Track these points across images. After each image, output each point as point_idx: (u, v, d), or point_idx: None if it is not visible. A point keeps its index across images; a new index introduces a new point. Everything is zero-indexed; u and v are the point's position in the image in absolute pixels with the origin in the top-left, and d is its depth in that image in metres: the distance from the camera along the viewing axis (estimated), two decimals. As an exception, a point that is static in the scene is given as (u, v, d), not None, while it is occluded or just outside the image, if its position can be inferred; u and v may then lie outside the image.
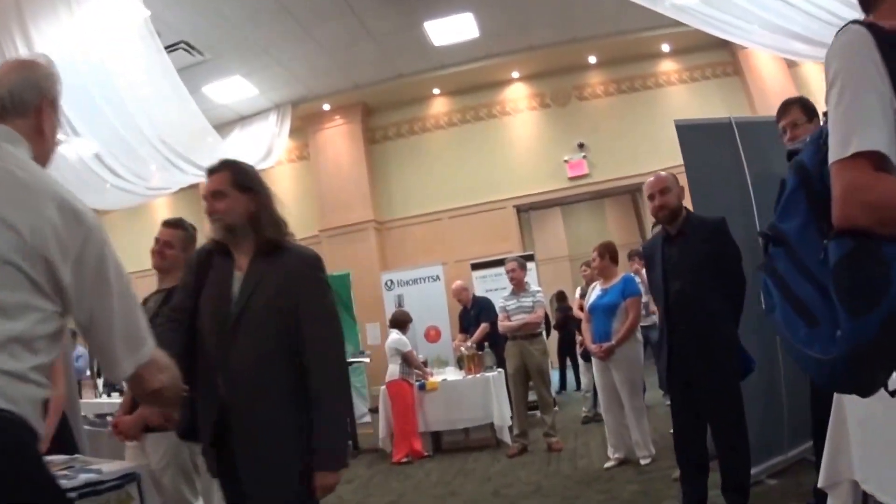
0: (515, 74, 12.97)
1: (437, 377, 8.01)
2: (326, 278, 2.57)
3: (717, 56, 12.58)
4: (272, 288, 2.43)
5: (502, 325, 7.23)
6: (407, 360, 7.66)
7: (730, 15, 7.48)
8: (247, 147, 11.69)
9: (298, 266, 2.49)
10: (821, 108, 3.33)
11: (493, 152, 12.95)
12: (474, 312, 8.75)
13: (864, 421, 2.34)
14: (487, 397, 7.51)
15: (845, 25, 1.47)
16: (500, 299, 7.49)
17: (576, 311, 8.53)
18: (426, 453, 7.48)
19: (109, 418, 4.96)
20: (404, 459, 7.25)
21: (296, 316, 2.41)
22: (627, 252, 7.89)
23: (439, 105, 13.39)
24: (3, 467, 1.31)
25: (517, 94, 13.16)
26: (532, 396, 7.31)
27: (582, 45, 12.01)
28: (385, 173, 13.41)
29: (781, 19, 7.37)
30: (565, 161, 12.53)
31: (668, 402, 7.76)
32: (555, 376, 9.75)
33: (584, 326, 6.32)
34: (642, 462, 5.63)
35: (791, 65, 11.95)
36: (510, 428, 7.41)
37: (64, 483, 2.89)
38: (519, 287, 7.25)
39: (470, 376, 7.79)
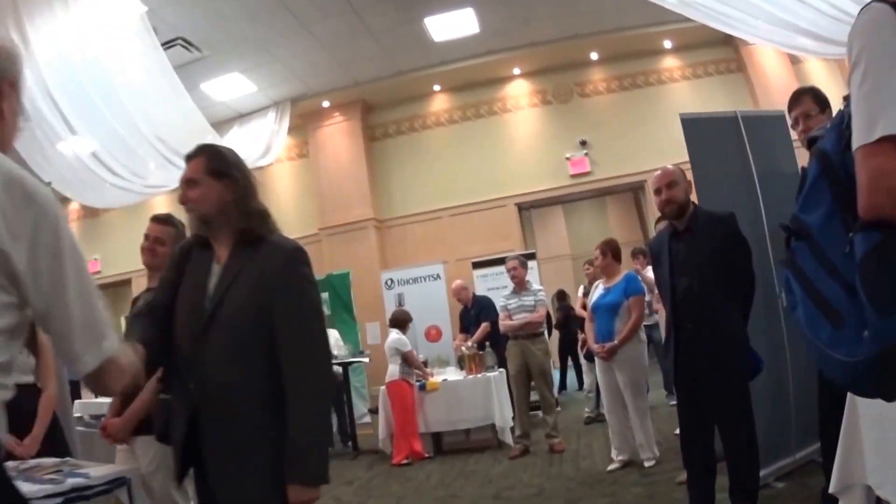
0: (517, 71, 12.89)
1: (437, 377, 7.92)
2: (309, 272, 2.34)
3: (720, 53, 12.52)
4: (249, 283, 2.24)
5: (503, 324, 7.13)
6: (407, 360, 7.56)
7: (735, 10, 7.39)
8: (246, 145, 11.61)
9: (276, 258, 2.27)
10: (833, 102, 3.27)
11: (494, 150, 12.87)
12: (475, 312, 8.66)
13: (879, 423, 2.24)
14: (489, 398, 7.42)
15: (868, 4, 1.36)
16: (500, 298, 7.39)
17: (578, 310, 8.44)
18: (427, 454, 7.39)
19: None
20: (404, 461, 7.16)
21: (273, 313, 2.23)
22: (631, 250, 7.76)
23: (440, 102, 13.31)
24: None
25: (518, 91, 13.08)
26: (534, 396, 7.21)
27: (584, 41, 11.93)
28: (385, 171, 13.34)
29: (788, 14, 7.28)
30: (567, 158, 12.44)
31: (672, 403, 7.74)
32: (556, 376, 9.64)
33: (588, 326, 6.20)
34: (646, 464, 5.52)
35: (795, 61, 11.87)
36: (512, 429, 7.31)
37: (51, 488, 2.80)
38: (520, 286, 7.15)
39: (471, 376, 7.70)
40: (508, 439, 7.31)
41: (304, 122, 13.25)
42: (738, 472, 3.72)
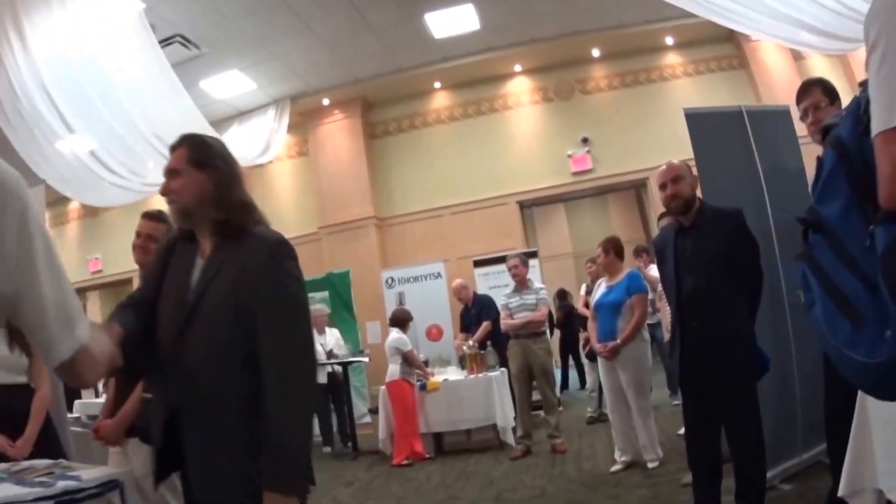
0: (518, 68, 12.82)
1: (438, 377, 7.85)
2: (293, 265, 2.19)
3: (722, 49, 12.45)
4: (230, 278, 2.12)
5: (505, 323, 7.06)
6: (407, 360, 7.50)
7: (737, 4, 7.32)
8: (245, 142, 11.57)
9: (257, 251, 2.14)
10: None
11: (495, 147, 12.80)
12: (475, 311, 8.61)
13: (892, 425, 2.17)
14: (490, 398, 7.36)
15: None
16: (502, 297, 7.32)
17: (581, 309, 8.36)
18: (427, 455, 7.32)
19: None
20: (405, 462, 7.09)
21: (254, 309, 2.10)
22: (633, 248, 7.69)
23: (440, 99, 13.24)
24: None
25: (519, 88, 13.01)
26: (535, 396, 7.14)
27: (585, 37, 11.86)
28: (385, 169, 13.28)
29: (791, 9, 7.21)
30: (569, 156, 12.37)
31: (675, 403, 7.69)
32: (557, 375, 9.59)
33: (590, 324, 6.11)
34: (650, 465, 5.43)
35: (797, 57, 11.81)
36: (514, 429, 7.23)
37: (40, 491, 2.73)
38: (522, 284, 7.07)
39: (472, 376, 7.63)
40: (510, 439, 7.24)
41: (304, 119, 13.20)
42: (745, 472, 3.62)
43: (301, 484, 2.06)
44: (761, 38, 9.71)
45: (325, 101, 12.91)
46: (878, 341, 1.19)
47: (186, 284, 2.19)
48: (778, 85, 11.31)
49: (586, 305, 7.39)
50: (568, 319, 10.91)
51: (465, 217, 12.67)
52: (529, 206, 13.50)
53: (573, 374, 11.58)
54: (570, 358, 11.40)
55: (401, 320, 7.83)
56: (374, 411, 8.32)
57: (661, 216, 5.64)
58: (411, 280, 11.12)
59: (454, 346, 9.06)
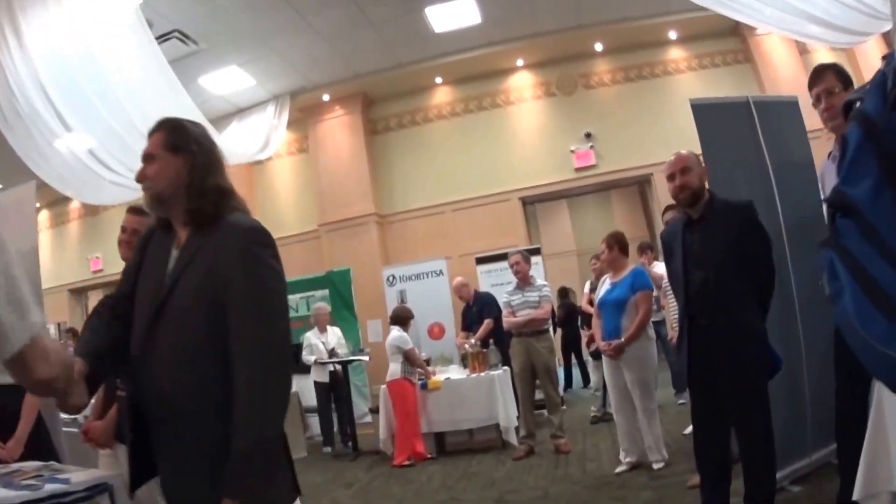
0: (520, 62, 12.71)
1: (440, 376, 7.73)
2: (269, 254, 2.03)
3: (727, 43, 12.35)
4: (202, 270, 1.98)
5: (507, 321, 6.94)
6: (409, 359, 7.39)
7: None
8: (245, 139, 11.49)
9: (230, 239, 1.99)
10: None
11: (497, 143, 12.70)
12: (477, 309, 8.51)
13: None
14: (492, 397, 7.25)
15: None
16: (504, 294, 7.19)
17: (585, 306, 8.25)
18: (429, 455, 7.22)
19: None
20: (406, 462, 6.99)
21: (226, 302, 1.95)
22: (637, 245, 7.57)
23: (442, 94, 13.14)
24: None
25: (522, 83, 12.90)
26: (538, 395, 7.03)
27: (588, 31, 11.76)
28: (386, 165, 13.18)
29: (800, 1, 7.11)
30: (572, 151, 12.26)
31: (680, 402, 7.58)
32: (560, 374, 9.49)
33: (594, 322, 5.98)
34: (655, 467, 5.31)
35: (803, 51, 11.70)
36: (516, 429, 7.13)
37: (27, 494, 2.64)
38: (524, 281, 6.96)
39: (474, 375, 7.52)
40: (513, 439, 7.13)
41: (304, 116, 13.11)
42: (756, 477, 3.48)
43: (262, 493, 1.87)
44: (768, 29, 9.62)
45: (325, 97, 12.82)
46: None
47: (160, 277, 2.07)
48: (783, 79, 11.20)
49: (590, 303, 7.28)
50: (569, 318, 10.83)
51: (467, 214, 12.57)
52: (532, 203, 13.38)
53: (576, 373, 11.51)
54: (573, 356, 11.31)
55: (402, 318, 7.73)
56: (374, 411, 8.22)
57: (666, 209, 5.49)
58: (413, 278, 11.02)
59: (456, 344, 8.95)
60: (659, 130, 11.43)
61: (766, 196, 4.33)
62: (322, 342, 8.61)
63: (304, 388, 9.10)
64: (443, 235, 12.48)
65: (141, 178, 2.12)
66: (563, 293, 11.40)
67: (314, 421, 9.14)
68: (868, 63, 10.62)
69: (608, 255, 5.74)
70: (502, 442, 7.24)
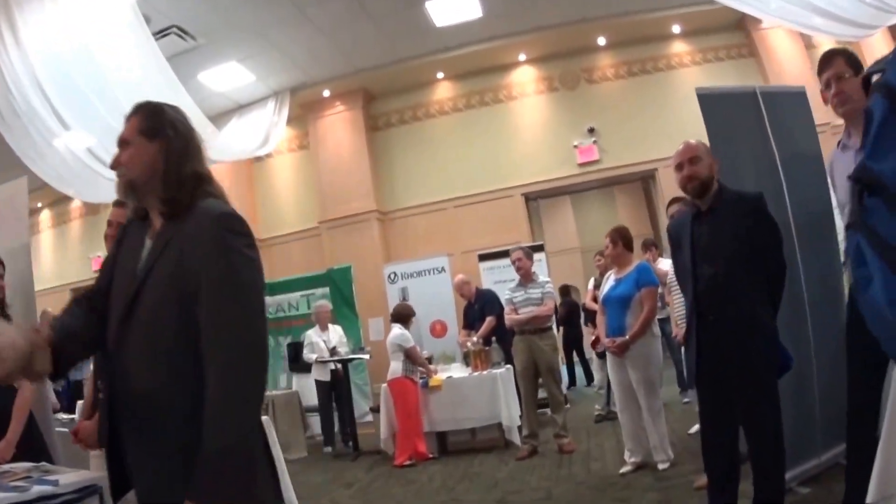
0: (522, 57, 12.61)
1: (441, 374, 7.64)
2: (242, 242, 1.89)
3: (731, 37, 12.28)
4: (173, 261, 1.87)
5: (509, 318, 6.83)
6: (410, 357, 7.30)
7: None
8: (244, 135, 11.41)
9: (201, 227, 1.87)
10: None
11: (499, 138, 12.61)
12: (478, 306, 8.41)
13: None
14: (495, 396, 7.16)
15: None
16: (506, 291, 7.08)
17: (589, 303, 8.16)
18: (431, 455, 7.12)
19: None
20: (407, 462, 6.89)
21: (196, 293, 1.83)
22: (642, 242, 7.46)
23: (443, 90, 13.04)
24: None
25: (524, 78, 12.80)
26: (542, 394, 6.93)
27: (591, 25, 11.66)
28: (388, 161, 13.09)
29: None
30: (575, 146, 12.16)
31: (685, 400, 7.48)
32: (563, 372, 9.39)
33: (599, 319, 5.84)
34: (660, 467, 5.18)
35: (808, 45, 11.61)
36: (520, 428, 7.03)
37: (14, 496, 2.60)
38: (526, 278, 6.85)
39: (476, 373, 7.43)
40: (516, 439, 7.04)
41: (305, 112, 13.03)
42: (765, 479, 3.36)
43: (240, 498, 1.72)
44: (773, 22, 9.50)
45: (326, 93, 12.73)
46: None
47: (134, 269, 1.96)
48: (789, 73, 11.08)
49: (595, 300, 7.16)
50: (570, 316, 10.75)
51: (469, 210, 12.48)
52: (535, 199, 13.28)
53: (578, 371, 11.49)
54: (574, 354, 11.24)
55: (403, 316, 7.63)
56: (375, 410, 8.12)
57: (671, 202, 5.35)
58: (414, 275, 10.94)
59: (458, 342, 8.85)
60: (663, 125, 11.32)
61: (774, 190, 4.21)
62: (323, 340, 8.53)
63: (305, 387, 9.04)
64: (445, 232, 12.39)
65: (115, 164, 2.02)
66: (565, 291, 11.34)
67: (315, 420, 9.07)
68: (874, 57, 10.51)
69: (612, 250, 5.62)
70: (505, 441, 7.15)
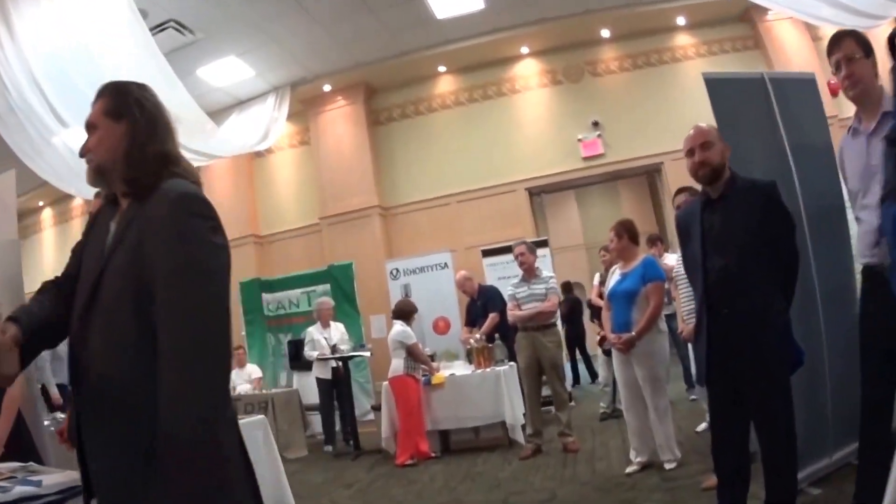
0: (525, 50, 12.46)
1: (444, 372, 7.52)
2: (202, 225, 1.74)
3: (736, 29, 12.14)
4: (131, 245, 1.74)
5: (512, 314, 6.70)
6: (412, 354, 7.18)
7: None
8: (243, 130, 11.31)
9: (160, 209, 1.73)
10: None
11: (502, 132, 12.46)
12: (481, 303, 8.31)
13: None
14: (498, 393, 7.05)
15: None
16: (509, 287, 6.95)
17: (594, 299, 8.02)
18: (433, 454, 7.02)
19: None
20: (409, 461, 6.78)
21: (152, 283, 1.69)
22: (647, 237, 7.32)
23: (445, 83, 12.90)
24: None
25: (527, 71, 12.65)
26: (545, 391, 6.80)
27: (594, 17, 11.53)
28: (389, 156, 12.95)
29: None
30: (579, 140, 12.01)
31: (692, 398, 7.35)
32: (567, 370, 9.27)
33: (604, 315, 5.71)
34: (667, 467, 5.04)
35: (815, 38, 11.45)
36: (523, 426, 6.90)
37: (-3, 497, 2.52)
38: (529, 273, 6.72)
39: (479, 371, 7.31)
40: (520, 437, 6.92)
41: (306, 107, 12.91)
42: (777, 480, 3.21)
43: (197, 493, 1.56)
44: (780, 11, 9.38)
45: (327, 88, 12.61)
46: None
47: (98, 256, 1.83)
48: (795, 65, 10.92)
49: (600, 296, 7.02)
50: (573, 313, 10.64)
51: (472, 205, 12.33)
52: (539, 194, 13.13)
53: (581, 368, 11.43)
54: (577, 352, 11.16)
55: (405, 312, 7.52)
56: (377, 408, 8.00)
57: (678, 192, 5.16)
58: (417, 271, 10.81)
59: (460, 340, 8.73)
60: (667, 118, 11.17)
61: (784, 180, 4.05)
62: (325, 338, 8.42)
63: (306, 385, 8.95)
64: (447, 228, 12.25)
65: (83, 151, 1.91)
66: (567, 288, 11.22)
67: (315, 419, 8.97)
68: (882, 49, 10.37)
69: (617, 243, 5.46)
70: (509, 440, 7.05)
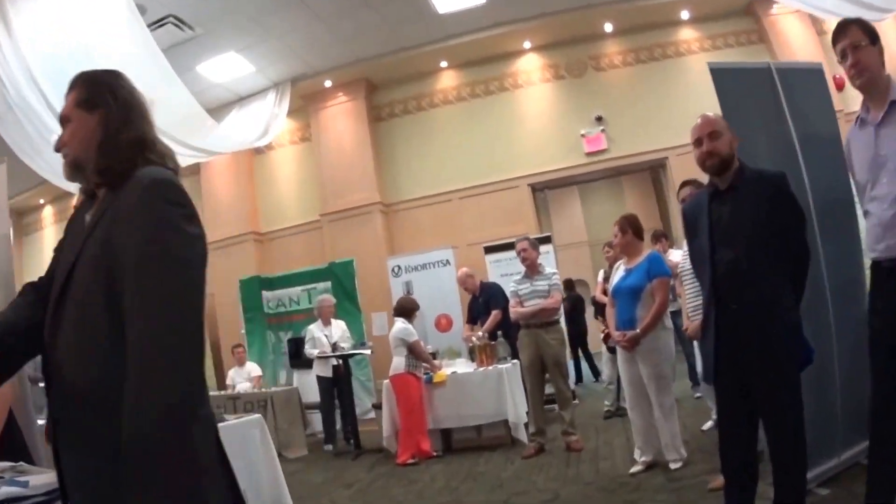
0: (527, 44, 12.31)
1: (446, 369, 7.44)
2: (173, 211, 1.63)
3: (740, 23, 11.97)
4: (101, 237, 1.66)
5: (514, 311, 6.61)
6: (413, 352, 7.11)
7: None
8: (243, 126, 11.22)
9: (131, 195, 1.64)
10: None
11: (505, 128, 12.31)
12: (483, 300, 8.21)
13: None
14: (501, 392, 6.98)
15: None
16: (511, 283, 6.86)
17: (598, 296, 7.92)
18: (435, 453, 6.96)
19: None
20: (410, 461, 6.72)
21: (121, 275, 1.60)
22: (651, 233, 7.22)
23: (447, 79, 12.76)
24: None
25: (530, 66, 12.49)
26: (548, 389, 6.71)
27: (597, 11, 11.36)
28: (391, 153, 12.81)
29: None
30: (582, 135, 11.87)
31: (697, 395, 7.26)
32: (570, 367, 9.18)
33: (608, 311, 5.59)
34: (672, 467, 4.95)
35: (820, 32, 11.32)
36: (526, 425, 6.82)
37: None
38: (532, 269, 6.63)
39: (481, 369, 7.23)
40: (523, 436, 6.86)
41: (306, 103, 12.80)
42: (787, 480, 3.12)
43: (164, 497, 1.45)
44: (785, 3, 9.26)
45: (328, 83, 12.48)
46: None
47: (73, 250, 1.74)
48: (800, 60, 10.79)
49: (604, 293, 6.91)
50: (574, 311, 10.56)
51: (474, 201, 12.19)
52: (542, 190, 13.00)
53: (584, 366, 11.36)
54: (579, 350, 11.10)
55: (406, 310, 7.45)
56: (378, 407, 7.92)
57: (683, 185, 5.04)
58: (419, 268, 10.74)
59: (462, 338, 8.64)
60: (672, 113, 11.03)
61: (792, 173, 3.95)
62: (325, 335, 8.34)
63: (306, 384, 8.89)
64: (450, 224, 12.12)
65: (58, 146, 1.84)
66: (569, 285, 11.13)
67: (315, 417, 8.90)
68: (888, 42, 10.26)
69: (621, 238, 5.36)
70: (511, 439, 6.99)
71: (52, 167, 8.23)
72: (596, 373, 11.48)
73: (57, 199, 15.88)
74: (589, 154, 11.90)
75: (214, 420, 1.77)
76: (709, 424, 5.94)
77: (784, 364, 3.13)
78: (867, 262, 3.32)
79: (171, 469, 1.45)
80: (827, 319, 3.99)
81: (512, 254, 7.87)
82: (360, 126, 12.62)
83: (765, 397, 3.17)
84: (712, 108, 3.90)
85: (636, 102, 11.79)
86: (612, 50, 12.24)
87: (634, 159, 11.94)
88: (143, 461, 1.44)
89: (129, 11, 7.42)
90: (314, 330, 8.47)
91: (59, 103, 5.79)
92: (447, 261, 10.62)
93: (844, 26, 3.05)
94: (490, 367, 7.18)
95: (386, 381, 7.26)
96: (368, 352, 8.66)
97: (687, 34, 12.10)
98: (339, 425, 8.46)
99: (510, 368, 7.18)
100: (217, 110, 11.39)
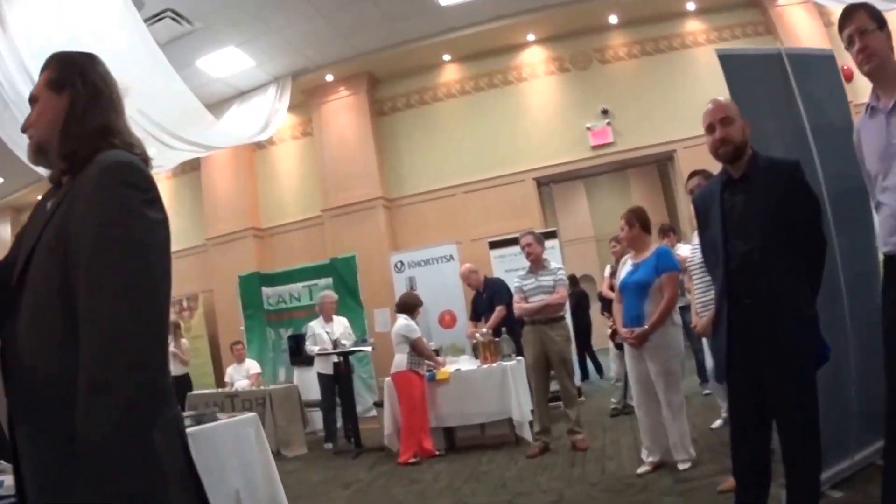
0: (531, 37, 12.14)
1: (449, 367, 7.32)
2: (142, 197, 1.54)
3: (747, 15, 11.81)
4: (58, 224, 1.56)
5: (519, 307, 6.49)
6: (416, 349, 6.99)
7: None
8: (245, 122, 11.11)
9: (87, 179, 1.55)
10: None
11: (509, 122, 12.14)
12: (487, 296, 8.09)
13: None
14: (505, 389, 6.87)
15: None
16: (515, 279, 6.72)
17: (605, 292, 7.79)
18: (438, 452, 6.85)
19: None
20: (412, 460, 6.61)
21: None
22: (659, 228, 7.07)
23: (450, 72, 12.60)
24: None
25: (534, 59, 12.32)
26: (554, 387, 6.57)
27: (602, 3, 11.21)
28: (394, 147, 12.66)
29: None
30: (588, 129, 11.71)
31: (706, 392, 7.12)
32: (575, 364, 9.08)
33: (615, 307, 5.45)
34: (681, 467, 4.81)
35: (828, 23, 11.14)
36: (531, 423, 6.69)
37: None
38: (537, 264, 6.50)
39: (485, 366, 7.10)
40: (527, 435, 6.75)
41: (308, 98, 12.67)
42: (800, 482, 3.01)
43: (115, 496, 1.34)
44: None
45: (329, 78, 12.33)
46: None
47: (32, 238, 1.64)
48: (808, 53, 10.65)
49: (611, 288, 6.77)
50: (579, 307, 10.45)
51: (478, 196, 12.03)
52: (547, 184, 12.85)
53: (589, 363, 11.22)
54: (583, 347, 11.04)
55: (409, 306, 7.34)
56: (379, 405, 7.80)
57: (691, 175, 4.89)
58: (422, 263, 10.64)
59: (466, 334, 8.52)
60: (678, 105, 10.89)
61: (805, 162, 3.81)
62: (327, 332, 8.23)
63: (307, 381, 8.78)
64: (453, 219, 11.96)
65: (24, 126, 1.76)
66: (574, 281, 11.01)
67: (315, 415, 8.80)
68: (896, 28, 10.13)
69: (628, 232, 5.21)
70: (515, 437, 6.89)
71: (50, 164, 8.16)
72: (600, 369, 11.38)
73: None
74: (594, 147, 11.73)
75: (182, 423, 1.66)
76: (718, 423, 5.81)
77: (799, 360, 3.00)
78: (880, 256, 3.18)
79: (129, 477, 1.35)
80: (842, 313, 3.85)
81: (517, 249, 7.74)
82: (362, 120, 12.47)
83: (778, 394, 3.04)
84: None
85: (642, 95, 11.62)
86: (618, 42, 12.07)
87: (641, 152, 11.77)
88: (98, 468, 1.34)
89: (125, 6, 7.32)
90: (315, 326, 8.37)
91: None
92: (451, 256, 10.52)
93: (850, 11, 2.95)
94: (494, 365, 7.07)
95: (388, 379, 7.16)
96: (370, 349, 8.55)
97: (693, 26, 11.93)
98: (339, 423, 8.34)
99: (514, 366, 7.05)
100: (217, 105, 11.29)
